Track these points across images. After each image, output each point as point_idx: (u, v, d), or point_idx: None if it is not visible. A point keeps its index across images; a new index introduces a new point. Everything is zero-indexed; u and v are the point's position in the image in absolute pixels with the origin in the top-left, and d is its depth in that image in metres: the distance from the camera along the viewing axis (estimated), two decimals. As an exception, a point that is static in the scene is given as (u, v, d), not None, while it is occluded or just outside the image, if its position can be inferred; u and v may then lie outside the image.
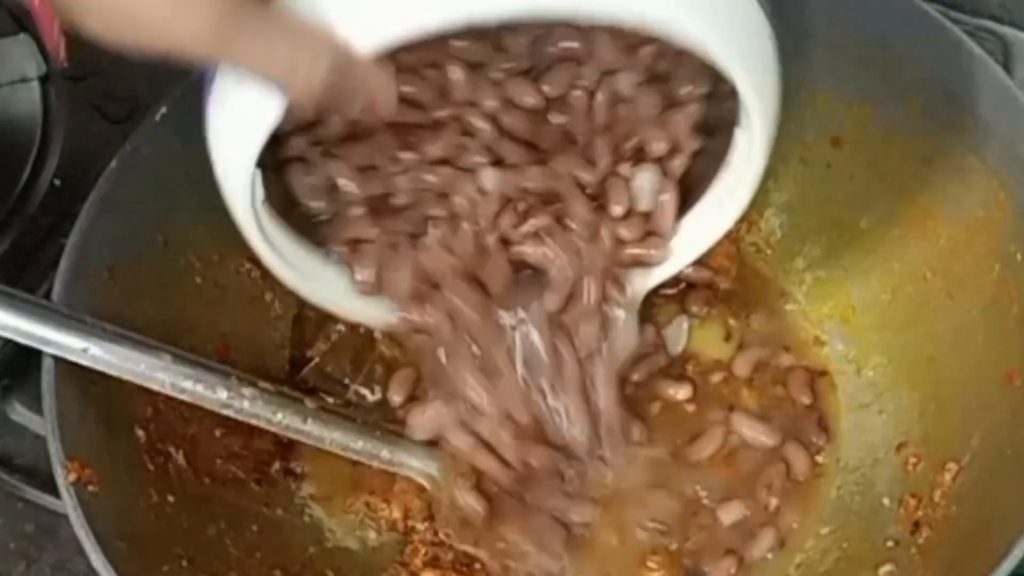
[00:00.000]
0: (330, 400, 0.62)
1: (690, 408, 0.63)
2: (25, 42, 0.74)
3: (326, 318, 0.64)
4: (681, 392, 0.63)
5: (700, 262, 0.64)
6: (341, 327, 0.65)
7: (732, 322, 0.65)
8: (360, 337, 0.65)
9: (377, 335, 0.64)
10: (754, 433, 0.61)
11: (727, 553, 0.58)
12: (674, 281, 0.63)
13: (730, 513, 0.59)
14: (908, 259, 0.62)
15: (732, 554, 0.58)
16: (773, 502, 0.59)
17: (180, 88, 0.60)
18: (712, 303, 0.65)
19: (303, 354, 0.65)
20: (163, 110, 0.60)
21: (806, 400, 0.63)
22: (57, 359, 0.53)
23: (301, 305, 0.65)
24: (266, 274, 0.64)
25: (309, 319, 0.65)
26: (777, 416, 0.62)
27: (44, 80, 0.73)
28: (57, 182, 0.69)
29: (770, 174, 0.67)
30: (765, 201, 0.67)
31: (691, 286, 0.65)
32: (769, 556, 0.59)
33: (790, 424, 0.62)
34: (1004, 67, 0.66)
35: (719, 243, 0.65)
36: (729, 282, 0.66)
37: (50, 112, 0.71)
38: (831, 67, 0.63)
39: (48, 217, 0.68)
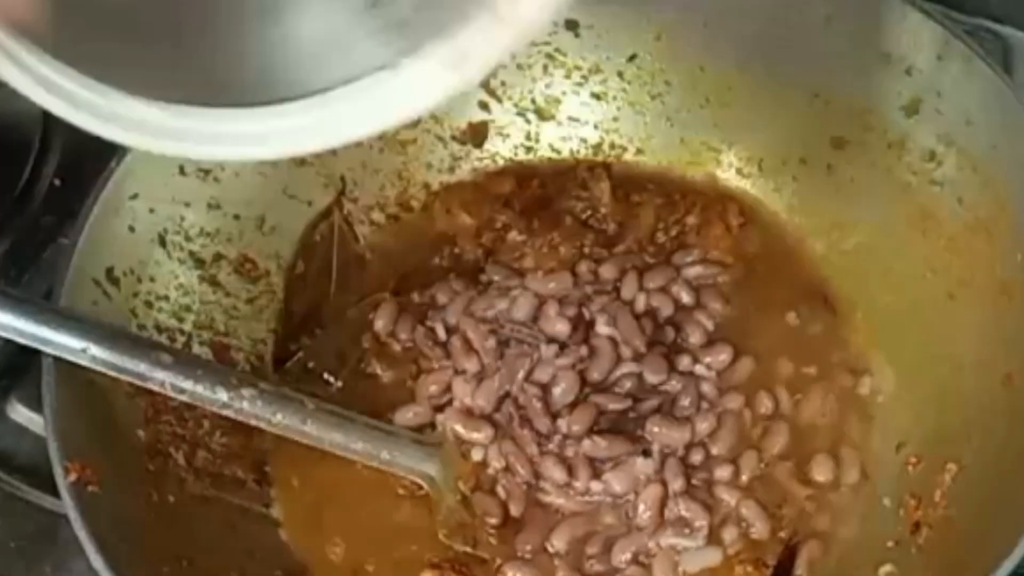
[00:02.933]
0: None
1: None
2: (25, 42, 0.73)
3: (312, 314, 0.65)
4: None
5: (705, 259, 0.64)
6: (327, 321, 0.65)
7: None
8: (345, 333, 0.65)
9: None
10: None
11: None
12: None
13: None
14: (908, 259, 0.62)
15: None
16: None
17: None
18: (728, 299, 0.65)
19: (287, 348, 0.65)
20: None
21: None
22: (57, 359, 0.53)
23: (288, 300, 0.65)
24: (264, 272, 0.65)
25: (295, 314, 0.65)
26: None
27: (44, 80, 0.73)
28: (57, 182, 0.69)
29: (771, 175, 0.68)
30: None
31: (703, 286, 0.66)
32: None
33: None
34: (1004, 67, 0.66)
35: (719, 240, 0.66)
36: (733, 275, 0.66)
37: (50, 112, 0.71)
38: (831, 68, 0.63)
39: (48, 217, 0.68)
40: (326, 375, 0.63)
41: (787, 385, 0.62)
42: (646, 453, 0.59)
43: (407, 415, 0.61)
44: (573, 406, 0.60)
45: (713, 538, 0.58)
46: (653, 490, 0.58)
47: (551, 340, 0.61)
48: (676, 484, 0.58)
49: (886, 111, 0.62)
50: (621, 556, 0.57)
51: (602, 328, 0.62)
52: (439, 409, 0.61)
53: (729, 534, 0.58)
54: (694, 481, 0.59)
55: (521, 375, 0.60)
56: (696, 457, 0.60)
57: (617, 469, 0.59)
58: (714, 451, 0.60)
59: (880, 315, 0.63)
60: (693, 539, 0.58)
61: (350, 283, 0.67)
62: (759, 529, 0.58)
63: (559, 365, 0.61)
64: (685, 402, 0.61)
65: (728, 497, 0.59)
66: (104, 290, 0.58)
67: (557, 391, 0.60)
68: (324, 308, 0.66)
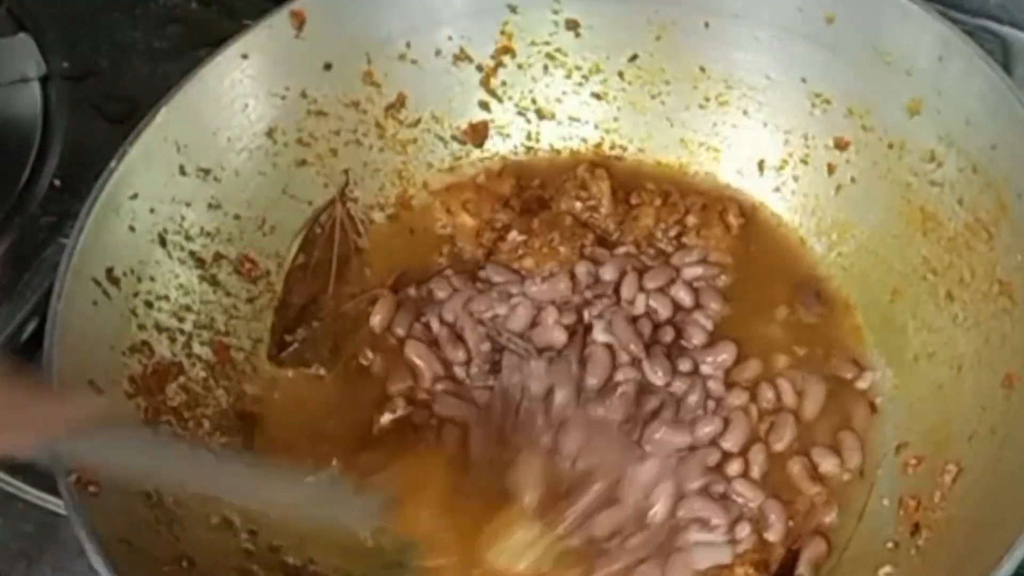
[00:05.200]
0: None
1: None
2: (25, 42, 0.74)
3: (310, 306, 0.65)
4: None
5: (705, 260, 0.65)
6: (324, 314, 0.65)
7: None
8: (342, 326, 0.65)
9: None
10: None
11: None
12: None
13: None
14: (908, 259, 0.62)
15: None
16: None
17: (179, 89, 0.61)
18: (728, 299, 0.65)
19: (283, 339, 0.64)
20: (163, 111, 0.60)
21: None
22: (57, 359, 0.53)
23: (286, 292, 0.65)
24: (264, 272, 0.65)
25: (293, 305, 0.65)
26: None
27: (44, 80, 0.73)
28: (57, 182, 0.69)
29: (771, 175, 0.68)
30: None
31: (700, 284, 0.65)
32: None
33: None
34: (1004, 67, 0.66)
35: (719, 240, 0.65)
36: (733, 275, 0.66)
37: (50, 112, 0.71)
38: (832, 68, 0.63)
39: (48, 217, 0.68)
40: (320, 366, 0.64)
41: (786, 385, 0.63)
42: (651, 455, 0.59)
43: (395, 407, 0.61)
44: (571, 414, 0.60)
45: (727, 536, 0.58)
46: (666, 490, 0.58)
47: (547, 349, 0.62)
48: (688, 484, 0.58)
49: (886, 111, 0.62)
50: (633, 553, 0.57)
51: (599, 335, 0.62)
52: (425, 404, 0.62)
53: (742, 531, 0.58)
54: (706, 481, 0.59)
55: (516, 380, 0.60)
56: (707, 456, 0.59)
57: (625, 474, 0.58)
58: (724, 448, 0.60)
59: (880, 315, 0.63)
60: (709, 537, 0.57)
61: (349, 277, 0.67)
62: (775, 526, 0.58)
63: (554, 374, 0.61)
64: (691, 402, 0.61)
65: (744, 493, 0.59)
66: (104, 290, 0.58)
67: (554, 400, 0.60)
68: (322, 301, 0.66)
